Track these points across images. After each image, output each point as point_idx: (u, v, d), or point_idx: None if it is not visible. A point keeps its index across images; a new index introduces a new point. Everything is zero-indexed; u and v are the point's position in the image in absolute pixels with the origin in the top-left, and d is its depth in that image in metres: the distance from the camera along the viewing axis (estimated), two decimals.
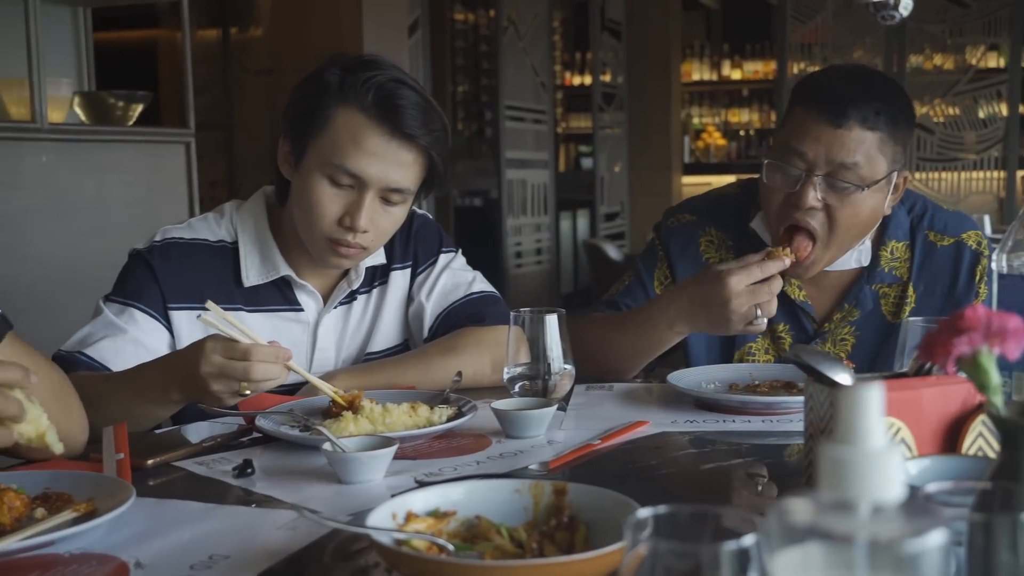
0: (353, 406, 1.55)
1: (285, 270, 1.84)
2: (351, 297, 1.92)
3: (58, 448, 1.20)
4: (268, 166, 1.86)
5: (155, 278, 1.78)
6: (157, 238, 1.83)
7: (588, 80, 9.40)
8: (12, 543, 1.07)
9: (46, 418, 1.18)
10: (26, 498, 1.18)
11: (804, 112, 1.83)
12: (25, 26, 2.97)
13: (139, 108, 3.46)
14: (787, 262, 1.75)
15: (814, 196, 1.81)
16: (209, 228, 1.87)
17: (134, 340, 1.73)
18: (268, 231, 1.87)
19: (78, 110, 3.36)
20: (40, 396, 1.22)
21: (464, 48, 8.17)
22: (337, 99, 1.73)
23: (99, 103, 3.38)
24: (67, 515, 1.16)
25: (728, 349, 2.03)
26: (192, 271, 1.81)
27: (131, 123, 3.44)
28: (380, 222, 1.77)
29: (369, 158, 1.71)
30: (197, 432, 1.60)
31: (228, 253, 1.85)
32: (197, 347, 1.50)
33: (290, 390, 1.80)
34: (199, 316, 1.51)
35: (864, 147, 1.79)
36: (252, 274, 1.84)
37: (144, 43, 7.71)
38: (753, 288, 1.72)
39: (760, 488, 1.34)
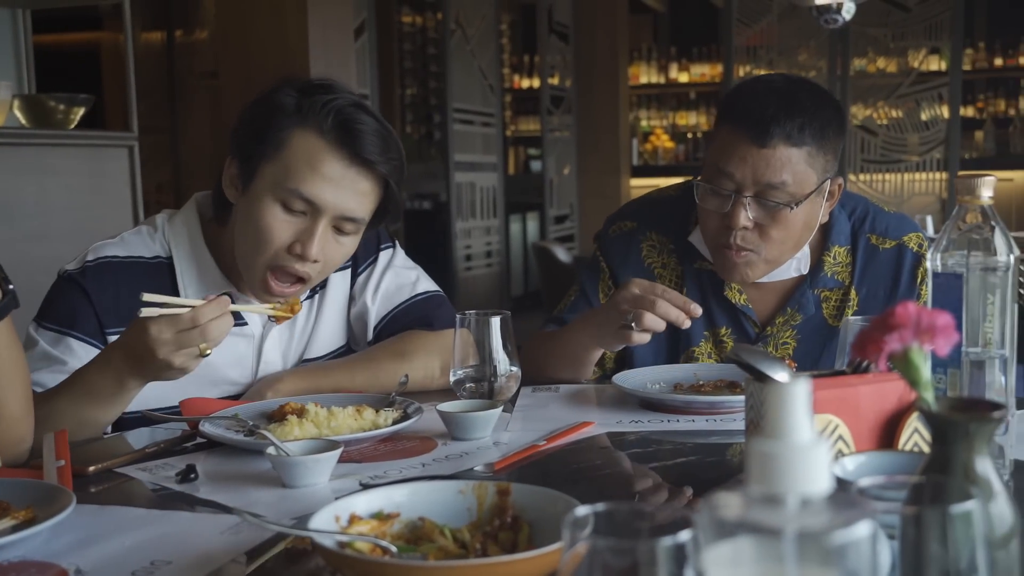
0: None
1: (226, 287, 1.79)
2: (308, 299, 1.91)
3: None
4: (213, 171, 1.81)
5: (90, 302, 1.72)
6: (89, 258, 1.76)
7: (536, 83, 9.42)
8: None
9: None
10: None
11: (730, 131, 1.84)
12: None
13: (81, 111, 3.42)
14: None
15: (745, 216, 1.83)
16: (144, 243, 1.80)
17: (71, 368, 1.66)
18: (204, 246, 1.81)
19: (18, 113, 3.32)
20: None
21: (412, 51, 8.16)
22: (293, 121, 1.68)
23: (40, 106, 3.34)
24: (5, 523, 1.15)
25: (673, 352, 2.05)
26: (128, 292, 1.69)
27: (73, 126, 3.41)
28: (330, 252, 1.73)
29: (326, 183, 1.67)
30: (140, 438, 1.59)
31: (165, 269, 1.78)
32: (142, 335, 1.45)
33: (235, 396, 1.79)
34: (140, 314, 1.46)
35: (791, 165, 1.80)
36: (191, 292, 1.77)
37: (87, 45, 7.63)
38: None
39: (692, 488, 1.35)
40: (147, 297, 1.47)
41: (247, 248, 1.72)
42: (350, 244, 1.77)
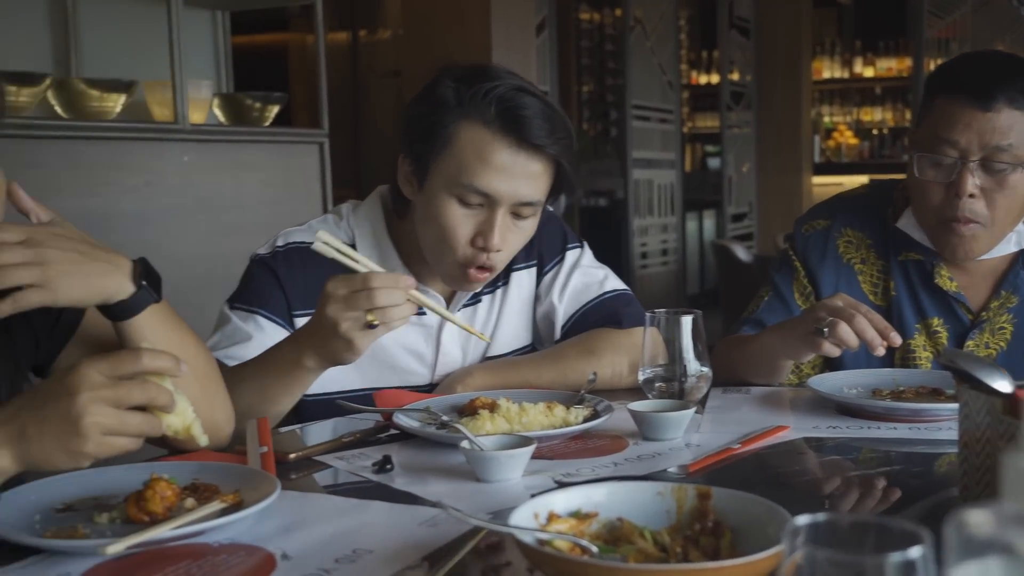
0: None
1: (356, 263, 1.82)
2: (475, 300, 1.90)
3: (203, 440, 1.22)
4: (393, 168, 1.84)
5: (279, 284, 1.77)
6: (279, 243, 1.82)
7: (715, 79, 9.29)
8: (165, 531, 1.11)
9: (192, 410, 1.21)
10: (177, 488, 1.21)
11: (948, 101, 1.78)
12: (168, 30, 3.06)
13: (275, 109, 3.54)
14: None
15: (972, 183, 1.77)
16: (330, 230, 1.82)
17: (261, 345, 1.72)
18: (386, 236, 1.84)
19: (217, 111, 3.45)
20: (187, 384, 1.25)
21: (589, 48, 8.16)
22: (457, 115, 1.69)
23: (237, 104, 3.47)
24: (215, 506, 1.19)
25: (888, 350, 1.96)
26: (314, 276, 1.75)
27: (267, 123, 3.53)
28: (512, 239, 1.74)
29: (498, 174, 1.67)
30: (335, 428, 1.63)
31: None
32: (323, 293, 1.48)
33: (416, 387, 1.82)
34: (312, 245, 1.49)
35: (1016, 127, 1.75)
36: None
37: (275, 46, 7.91)
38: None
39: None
40: (323, 235, 1.50)
41: (431, 244, 1.75)
42: (530, 226, 1.77)
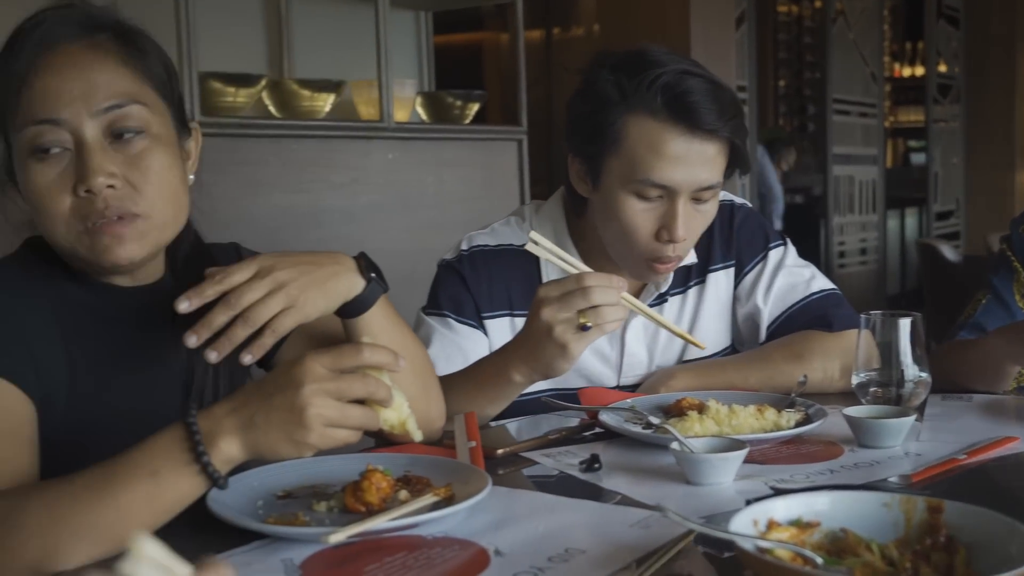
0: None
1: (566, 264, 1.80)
2: (660, 299, 1.86)
3: (417, 436, 1.24)
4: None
5: (467, 288, 1.79)
6: (464, 247, 1.83)
7: (920, 71, 8.92)
8: (382, 522, 1.13)
9: (407, 405, 1.22)
10: (391, 480, 1.23)
11: None
12: (375, 31, 3.14)
13: (475, 107, 3.59)
14: None
15: None
16: (513, 232, 1.85)
17: (459, 347, 1.75)
18: (567, 236, 1.83)
19: (420, 109, 3.52)
20: (403, 379, 1.27)
21: (786, 41, 7.98)
22: (622, 109, 1.65)
23: (439, 102, 3.53)
24: (428, 499, 1.20)
25: None
26: (500, 278, 1.80)
27: (467, 121, 3.57)
28: (694, 225, 1.71)
29: (674, 164, 1.64)
30: (540, 425, 1.63)
31: (532, 256, 1.75)
32: (534, 301, 1.48)
33: (630, 388, 1.80)
34: (524, 245, 1.49)
35: None
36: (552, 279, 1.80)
37: (470, 45, 8.03)
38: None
39: None
40: (535, 235, 1.50)
41: (614, 241, 1.74)
42: (711, 208, 1.74)
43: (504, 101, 5.99)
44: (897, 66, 9.55)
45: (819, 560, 0.97)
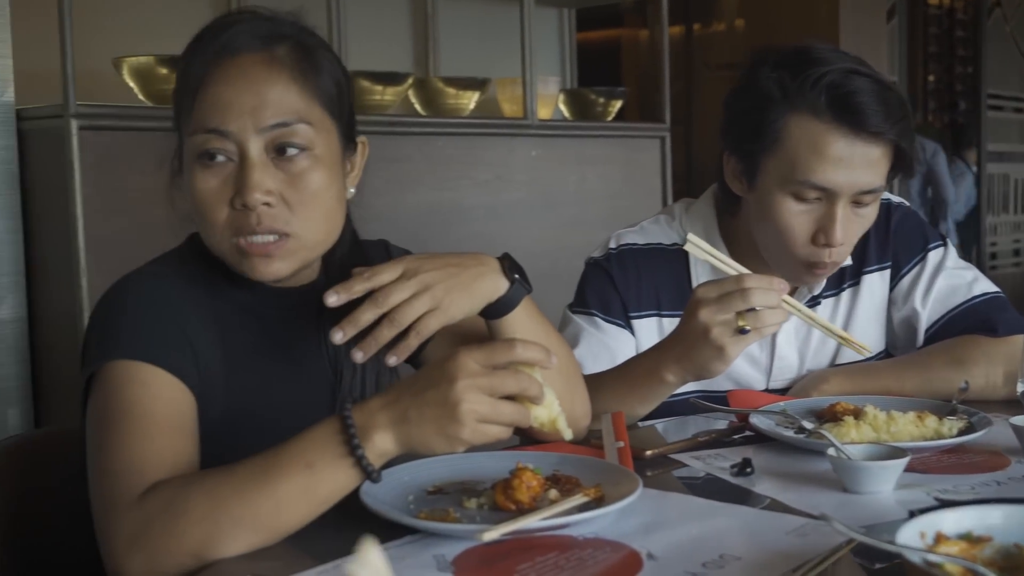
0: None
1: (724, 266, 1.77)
2: (813, 302, 1.80)
3: (568, 434, 1.23)
4: (717, 162, 1.79)
5: (615, 287, 1.76)
6: (612, 245, 1.81)
7: None
8: (534, 522, 1.12)
9: (558, 403, 1.21)
10: (541, 478, 1.22)
11: None
12: (520, 28, 3.15)
13: (618, 104, 3.56)
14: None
15: None
16: (662, 231, 1.82)
17: (606, 346, 1.73)
18: (718, 235, 1.79)
19: (562, 107, 3.52)
20: (552, 377, 1.26)
21: (937, 35, 7.70)
22: (784, 108, 1.61)
23: (581, 100, 3.52)
24: (579, 499, 1.19)
25: None
26: (648, 277, 1.77)
27: (610, 118, 3.55)
28: (852, 229, 1.66)
29: (835, 167, 1.59)
30: (688, 426, 1.60)
31: (681, 256, 1.77)
32: (690, 301, 1.46)
33: (780, 391, 1.76)
34: (673, 244, 1.46)
35: None
36: (702, 280, 1.73)
37: (608, 42, 7.98)
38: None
39: None
40: (693, 237, 1.48)
41: (769, 243, 1.70)
42: (871, 213, 1.68)
43: (643, 98, 5.94)
44: None
45: None
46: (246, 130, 1.25)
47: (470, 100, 3.24)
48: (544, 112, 3.33)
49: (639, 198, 3.48)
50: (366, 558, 0.60)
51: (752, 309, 1.41)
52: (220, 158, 1.26)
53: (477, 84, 3.25)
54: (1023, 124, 7.31)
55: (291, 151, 1.27)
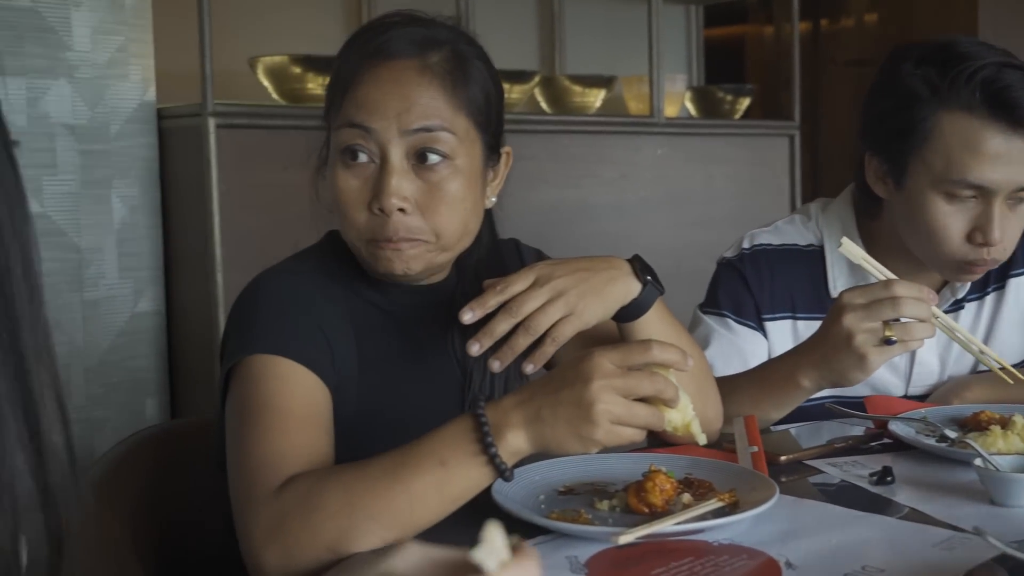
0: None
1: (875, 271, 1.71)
2: (957, 306, 1.74)
3: (702, 440, 1.19)
4: (851, 160, 1.72)
5: (747, 287, 1.73)
6: (745, 245, 1.77)
7: None
8: (668, 526, 1.10)
9: (692, 407, 1.19)
10: (674, 482, 1.20)
11: None
12: (648, 26, 3.12)
13: (746, 102, 3.50)
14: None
15: None
16: (797, 231, 1.78)
17: (738, 348, 1.70)
18: (857, 236, 1.73)
19: (689, 104, 3.47)
20: (685, 380, 1.24)
21: None
22: (933, 106, 1.56)
23: (709, 97, 3.47)
24: (713, 504, 1.17)
25: None
26: (783, 279, 1.73)
27: (737, 116, 3.49)
28: (1009, 227, 1.59)
29: (992, 164, 1.53)
30: (823, 432, 1.56)
31: (817, 257, 1.74)
32: (835, 305, 1.42)
33: (918, 398, 1.70)
34: (839, 246, 1.43)
35: None
36: (840, 283, 1.71)
37: (732, 39, 7.85)
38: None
39: None
40: (846, 241, 1.44)
41: (920, 245, 1.64)
42: None
43: (767, 96, 5.82)
44: None
45: None
46: (389, 130, 1.25)
47: (596, 98, 3.22)
48: (671, 110, 3.29)
49: (767, 197, 3.41)
50: (491, 544, 0.60)
51: (898, 319, 1.36)
52: (363, 157, 1.27)
53: (603, 82, 3.23)
54: None
55: (432, 158, 1.27)
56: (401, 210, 1.26)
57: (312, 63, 2.54)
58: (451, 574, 0.64)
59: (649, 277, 1.33)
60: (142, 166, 2.38)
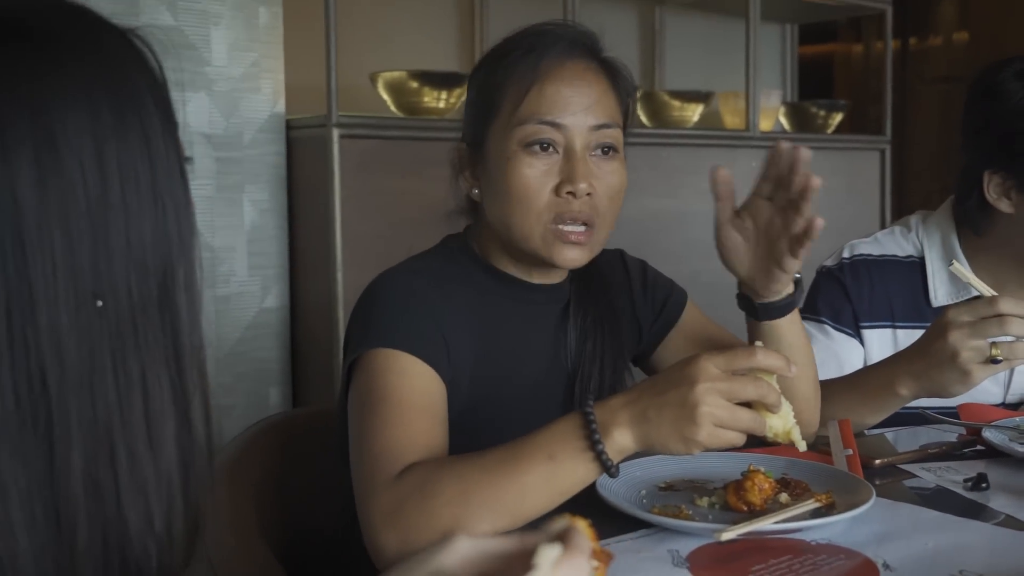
0: None
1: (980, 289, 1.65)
2: None
3: (802, 446, 1.15)
4: (936, 175, 1.67)
5: (847, 295, 1.69)
6: (846, 255, 1.74)
7: None
8: (768, 524, 1.08)
9: (793, 414, 1.15)
10: (773, 482, 1.18)
11: None
12: (745, 44, 3.06)
13: (838, 117, 3.42)
14: None
15: None
16: (896, 243, 1.73)
17: (834, 354, 1.65)
18: (959, 250, 1.68)
19: (783, 119, 3.41)
20: (792, 386, 1.21)
21: None
22: None
23: (803, 112, 3.40)
24: (811, 504, 1.14)
25: None
26: (882, 288, 1.69)
27: (830, 131, 3.42)
28: None
29: None
30: (917, 437, 1.51)
31: (917, 268, 1.70)
32: (936, 323, 1.38)
33: (1013, 406, 1.63)
34: (951, 265, 1.39)
35: None
36: (941, 293, 1.66)
37: (823, 56, 7.71)
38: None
39: None
40: (956, 265, 1.40)
41: None
42: None
43: (857, 111, 5.70)
44: None
45: None
46: (579, 125, 1.27)
47: (694, 112, 3.18)
48: (766, 124, 3.23)
49: (858, 209, 3.33)
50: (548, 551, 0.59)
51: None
52: (550, 148, 1.27)
53: (701, 97, 3.18)
54: None
55: (609, 151, 1.29)
56: (588, 195, 1.27)
57: (428, 78, 2.55)
58: (503, 565, 0.63)
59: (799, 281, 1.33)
60: (271, 172, 2.42)
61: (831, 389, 1.51)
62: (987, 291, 1.37)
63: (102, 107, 0.67)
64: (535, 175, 1.26)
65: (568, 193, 1.26)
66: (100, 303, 0.66)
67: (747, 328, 1.36)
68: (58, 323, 0.65)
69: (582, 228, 1.27)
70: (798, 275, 1.32)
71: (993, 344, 1.31)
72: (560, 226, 1.27)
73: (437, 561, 0.63)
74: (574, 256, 1.29)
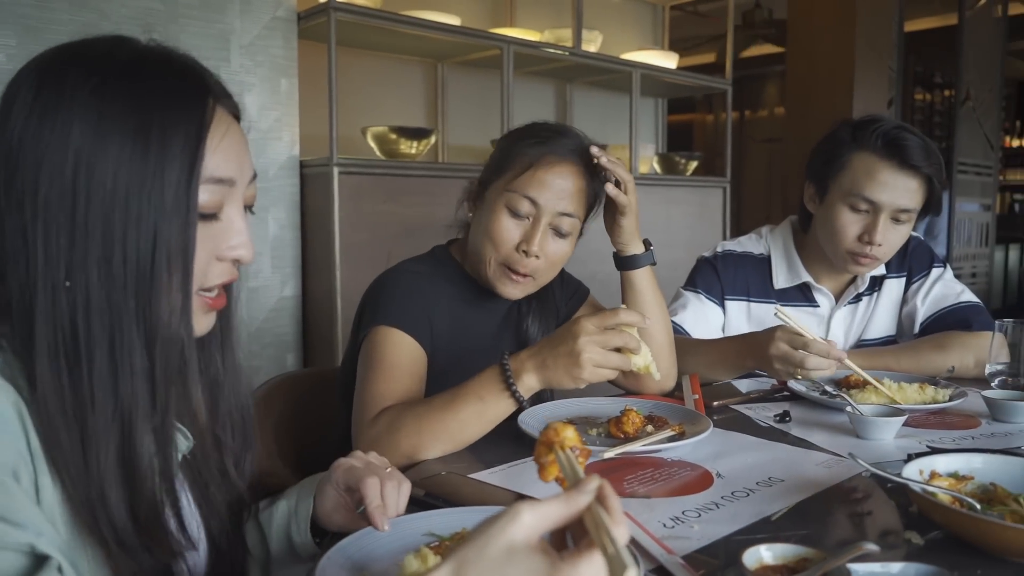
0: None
1: (805, 277, 1.70)
2: (857, 299, 1.72)
3: (657, 376, 1.16)
4: (763, 206, 1.70)
5: (717, 276, 1.72)
6: (719, 249, 1.76)
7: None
8: (637, 447, 1.08)
9: (650, 354, 1.15)
10: (642, 417, 1.18)
11: None
12: (629, 111, 3.09)
13: (694, 164, 3.46)
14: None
15: None
16: (753, 244, 1.77)
17: (706, 316, 1.68)
18: (793, 248, 1.72)
19: (655, 165, 3.43)
20: (651, 335, 1.28)
21: (920, 120, 7.25)
22: (851, 147, 1.56)
23: (669, 160, 3.42)
24: (667, 432, 1.15)
25: None
26: (742, 273, 1.72)
27: (688, 174, 3.45)
28: (890, 237, 1.57)
29: (882, 187, 1.52)
30: (744, 386, 1.54)
31: (765, 263, 1.74)
32: (770, 333, 1.40)
33: None
34: (775, 313, 1.40)
35: None
36: (781, 279, 1.71)
37: (684, 122, 7.81)
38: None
39: None
40: (782, 308, 1.41)
41: (828, 243, 1.63)
42: (905, 230, 1.59)
43: (708, 160, 5.79)
44: (1008, 138, 8.52)
45: (977, 505, 0.85)
46: (548, 207, 1.26)
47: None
48: (643, 168, 3.25)
49: (707, 229, 3.37)
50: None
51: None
52: (523, 217, 1.27)
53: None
54: (982, 183, 6.81)
55: (563, 232, 1.28)
56: (536, 256, 1.26)
57: (403, 131, 2.52)
58: (560, 529, 0.54)
59: (651, 248, 1.39)
60: (289, 199, 2.38)
61: (698, 347, 1.56)
62: (803, 331, 1.37)
63: (152, 130, 0.71)
64: (508, 229, 1.26)
65: (523, 251, 1.25)
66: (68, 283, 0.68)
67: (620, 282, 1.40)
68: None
69: (524, 277, 1.28)
70: (652, 247, 1.37)
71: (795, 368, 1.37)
72: (508, 273, 1.27)
73: (508, 536, 0.51)
74: (513, 292, 1.29)
